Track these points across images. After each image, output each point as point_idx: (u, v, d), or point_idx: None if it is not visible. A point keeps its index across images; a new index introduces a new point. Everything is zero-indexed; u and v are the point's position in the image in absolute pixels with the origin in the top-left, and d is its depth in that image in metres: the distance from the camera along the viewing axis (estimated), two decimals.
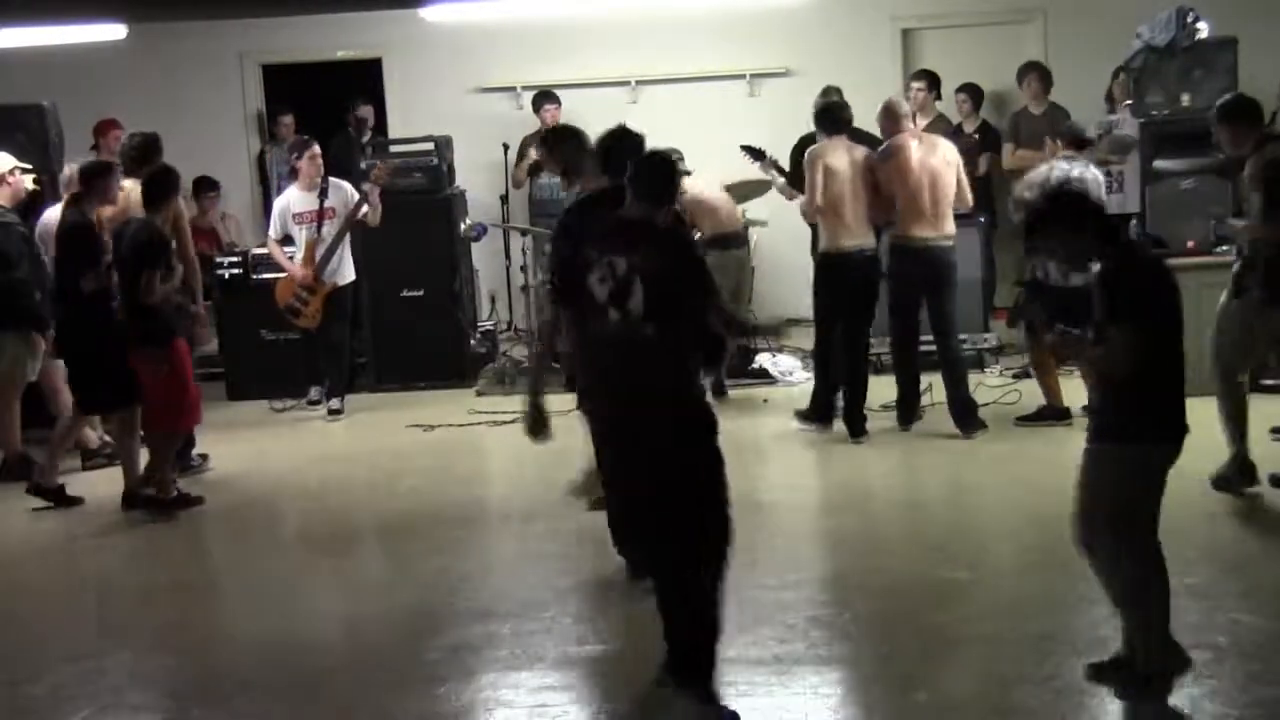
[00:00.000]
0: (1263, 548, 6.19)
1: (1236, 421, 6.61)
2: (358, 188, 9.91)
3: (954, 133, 10.39)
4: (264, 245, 10.39)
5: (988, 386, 9.06)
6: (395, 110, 12.65)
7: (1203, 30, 9.31)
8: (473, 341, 10.74)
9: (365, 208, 9.82)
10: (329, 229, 9.76)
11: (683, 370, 4.60)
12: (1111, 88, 10.60)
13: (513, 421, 8.97)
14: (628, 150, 5.55)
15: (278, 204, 10.14)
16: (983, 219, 9.98)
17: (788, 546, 6.38)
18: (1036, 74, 11.11)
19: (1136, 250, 4.68)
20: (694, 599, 4.48)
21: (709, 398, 5.02)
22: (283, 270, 9.88)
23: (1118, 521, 4.31)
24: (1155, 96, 9.44)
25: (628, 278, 4.49)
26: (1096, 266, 4.35)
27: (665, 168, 4.91)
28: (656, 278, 4.49)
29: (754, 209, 10.59)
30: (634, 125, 5.90)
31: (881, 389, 8.56)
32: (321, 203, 9.81)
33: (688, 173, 9.76)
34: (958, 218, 8.47)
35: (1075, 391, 7.83)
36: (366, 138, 11.67)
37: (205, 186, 11.91)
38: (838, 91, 9.79)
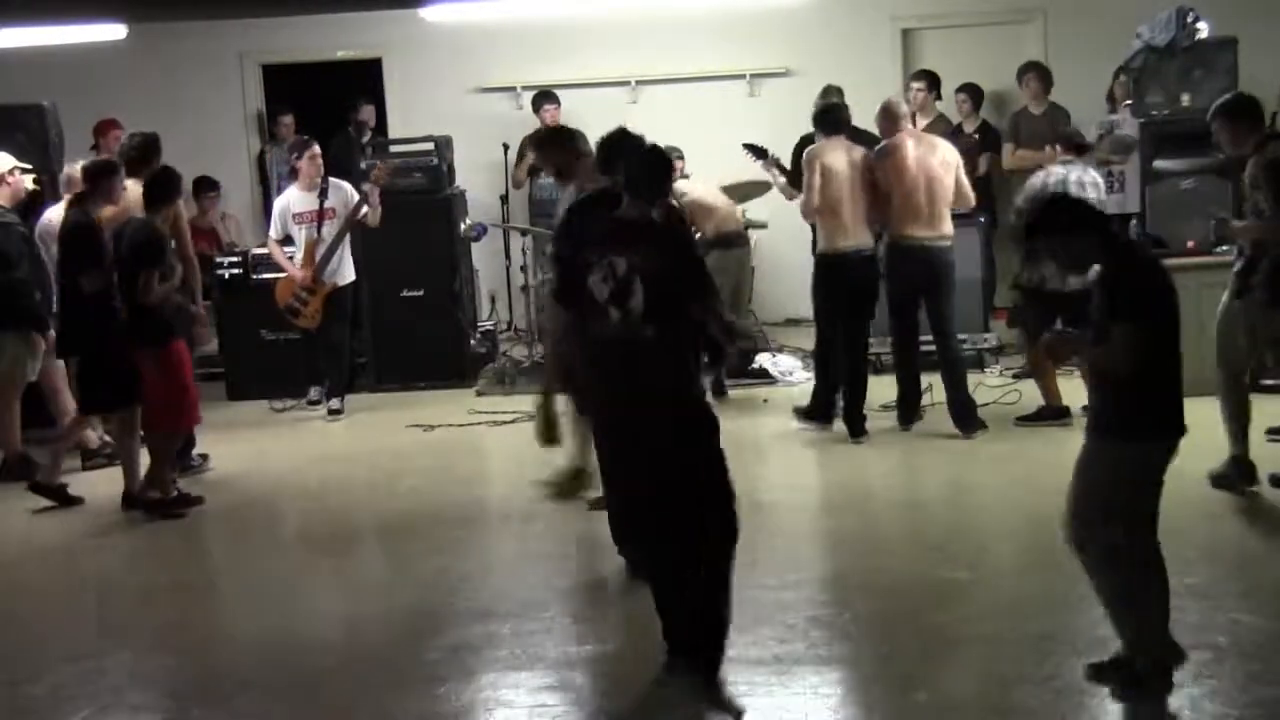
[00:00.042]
0: (1263, 548, 6.19)
1: (1239, 420, 6.62)
2: (358, 188, 9.91)
3: (954, 133, 10.39)
4: (264, 245, 10.40)
5: (988, 386, 9.06)
6: (395, 110, 12.66)
7: (1203, 30, 9.31)
8: (473, 341, 10.73)
9: (365, 208, 9.81)
10: (329, 229, 9.76)
11: (683, 370, 4.61)
12: (1112, 88, 10.59)
13: (513, 421, 9.01)
14: (627, 152, 5.55)
15: (278, 204, 10.13)
16: (982, 219, 9.98)
17: (788, 546, 6.37)
18: (1036, 74, 11.12)
19: (1136, 251, 4.69)
20: (694, 598, 4.48)
21: (709, 398, 5.03)
22: (283, 270, 9.88)
23: (1115, 520, 4.31)
24: (1155, 96, 9.44)
25: (628, 278, 4.50)
26: (1096, 269, 4.36)
27: (658, 161, 4.91)
28: (657, 277, 4.49)
29: (754, 210, 10.60)
30: (634, 125, 5.89)
31: (881, 389, 8.56)
32: (321, 203, 9.80)
33: (686, 176, 9.79)
34: (958, 218, 8.47)
35: (1075, 391, 7.83)
36: (366, 138, 11.68)
37: (205, 186, 11.92)
38: (838, 92, 9.81)
